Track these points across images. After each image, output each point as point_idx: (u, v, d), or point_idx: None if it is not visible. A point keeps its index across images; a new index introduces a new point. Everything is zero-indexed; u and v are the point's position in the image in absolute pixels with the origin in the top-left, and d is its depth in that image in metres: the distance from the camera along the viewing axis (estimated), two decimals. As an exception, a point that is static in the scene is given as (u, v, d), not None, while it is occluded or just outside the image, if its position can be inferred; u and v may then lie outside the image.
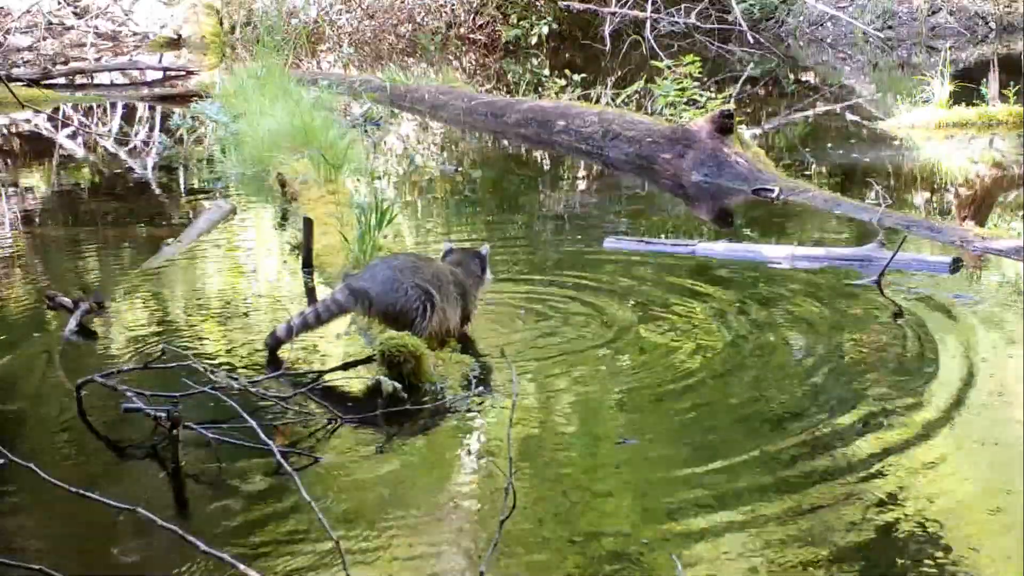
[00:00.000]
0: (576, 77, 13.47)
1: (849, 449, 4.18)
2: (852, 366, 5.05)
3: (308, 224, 6.53)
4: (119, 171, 10.72)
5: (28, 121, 13.33)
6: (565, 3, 19.16)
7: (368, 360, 4.95)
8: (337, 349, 5.34)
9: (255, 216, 8.43)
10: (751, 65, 16.28)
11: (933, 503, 3.79)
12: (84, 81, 15.90)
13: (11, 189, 9.79)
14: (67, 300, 5.82)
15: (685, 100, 10.70)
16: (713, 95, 10.99)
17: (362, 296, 5.14)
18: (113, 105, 14.42)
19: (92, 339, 5.60)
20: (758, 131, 11.29)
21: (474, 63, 18.41)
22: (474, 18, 19.93)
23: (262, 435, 4.00)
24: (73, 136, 12.65)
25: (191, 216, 8.28)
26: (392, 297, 5.11)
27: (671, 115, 10.45)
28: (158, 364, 4.79)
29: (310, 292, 6.25)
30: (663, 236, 7.38)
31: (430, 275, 5.18)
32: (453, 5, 19.98)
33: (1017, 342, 5.25)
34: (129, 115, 13.84)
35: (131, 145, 11.83)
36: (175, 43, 19.92)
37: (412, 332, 4.94)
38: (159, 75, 16.47)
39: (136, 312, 6.08)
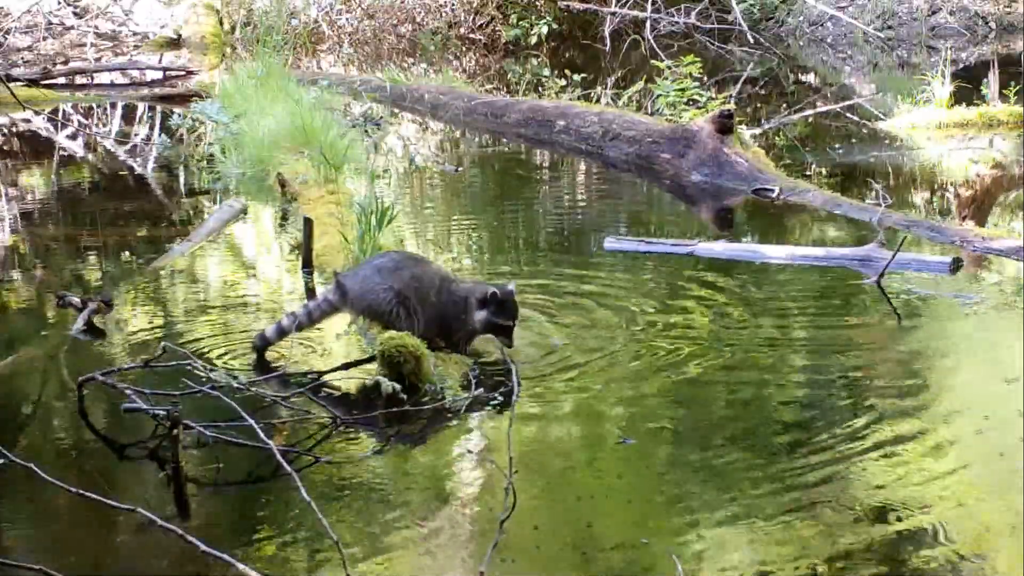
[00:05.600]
0: (576, 77, 13.46)
1: (850, 449, 4.18)
2: (852, 366, 5.05)
3: (308, 224, 6.53)
4: (119, 171, 10.72)
5: (28, 121, 13.32)
6: (565, 3, 19.15)
7: (368, 360, 4.94)
8: (337, 349, 5.34)
9: (255, 216, 8.43)
10: (751, 65, 16.27)
11: (934, 503, 3.79)
12: (84, 81, 15.87)
13: (11, 189, 9.79)
14: (76, 299, 5.84)
15: (685, 100, 10.69)
16: (713, 95, 10.97)
17: (345, 294, 5.13)
18: (113, 105, 14.41)
19: (100, 338, 5.61)
20: (758, 131, 11.28)
21: (474, 63, 18.39)
22: (474, 18, 19.92)
23: (262, 435, 4.00)
24: (73, 136, 12.64)
25: (191, 215, 8.29)
26: (368, 298, 5.07)
27: (671, 115, 10.44)
28: (158, 363, 4.80)
29: (310, 292, 6.25)
30: (663, 236, 7.38)
31: (409, 277, 5.09)
32: (453, 5, 19.97)
33: (1018, 342, 5.25)
34: (129, 115, 13.83)
35: (131, 145, 11.83)
36: (175, 43, 19.89)
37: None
38: (159, 75, 16.46)
39: (141, 311, 6.08)
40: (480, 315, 5.07)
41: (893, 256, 6.25)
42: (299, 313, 5.20)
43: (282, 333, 5.18)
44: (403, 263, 5.19)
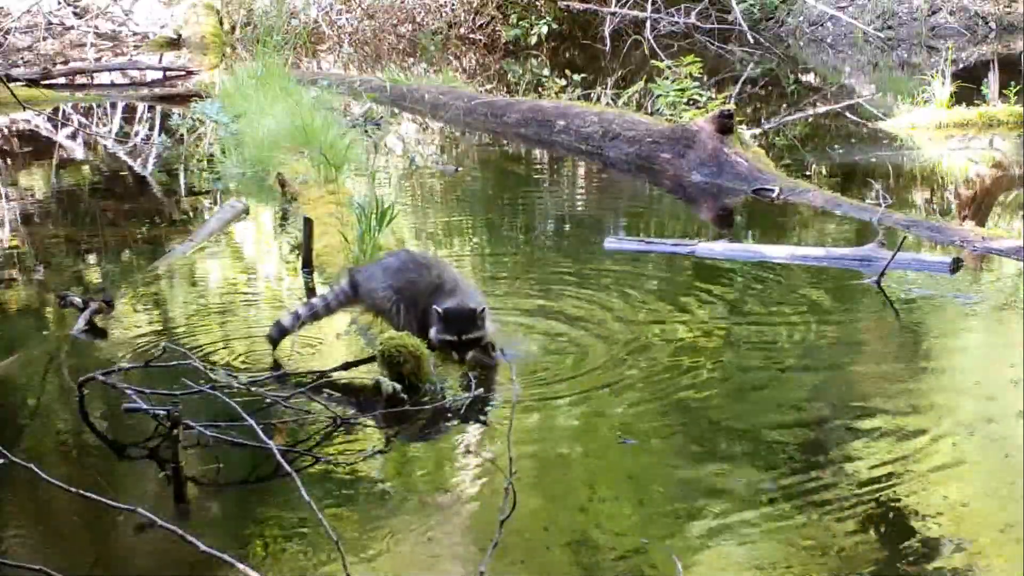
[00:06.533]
0: (576, 77, 13.46)
1: (850, 450, 4.19)
2: (852, 367, 5.05)
3: (308, 224, 6.53)
4: (119, 171, 10.72)
5: (28, 121, 13.32)
6: (565, 3, 19.15)
7: (368, 360, 4.95)
8: (337, 349, 5.35)
9: (255, 216, 8.43)
10: (751, 65, 16.27)
11: (934, 504, 3.79)
12: (84, 81, 15.87)
13: (11, 189, 9.79)
14: (77, 299, 5.84)
15: (685, 100, 10.69)
16: (713, 95, 10.98)
17: (357, 287, 5.25)
18: (113, 105, 14.41)
19: (101, 338, 5.62)
20: (758, 131, 11.28)
21: (474, 63, 18.40)
22: (474, 18, 19.91)
23: (262, 435, 4.00)
24: (73, 136, 12.64)
25: (192, 215, 8.29)
26: (372, 295, 5.21)
27: (671, 115, 10.44)
28: (159, 363, 4.80)
29: (310, 292, 6.25)
30: (664, 236, 7.38)
31: (405, 280, 5.16)
32: (453, 5, 19.97)
33: (1017, 342, 5.25)
34: (129, 115, 13.83)
35: (131, 145, 11.82)
36: (175, 43, 19.89)
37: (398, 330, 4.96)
38: (159, 75, 16.46)
39: (142, 311, 6.09)
40: (432, 328, 5.03)
41: (893, 256, 6.25)
42: (316, 303, 5.32)
43: (299, 322, 5.24)
44: (407, 264, 5.25)
